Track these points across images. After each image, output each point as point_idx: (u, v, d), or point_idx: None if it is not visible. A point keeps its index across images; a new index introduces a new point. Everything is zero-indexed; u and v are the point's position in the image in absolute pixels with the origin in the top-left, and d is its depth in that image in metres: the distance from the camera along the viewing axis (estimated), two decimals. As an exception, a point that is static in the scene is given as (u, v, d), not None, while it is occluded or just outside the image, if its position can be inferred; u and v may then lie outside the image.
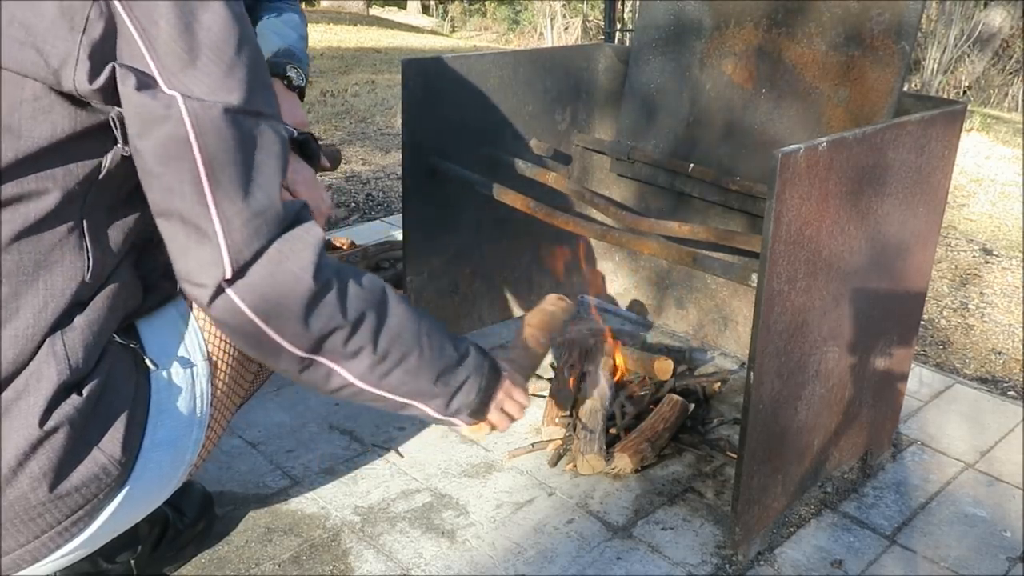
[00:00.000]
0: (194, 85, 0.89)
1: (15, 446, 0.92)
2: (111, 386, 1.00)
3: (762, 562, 1.46)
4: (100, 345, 1.00)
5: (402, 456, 1.71)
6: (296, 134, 1.52)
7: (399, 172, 3.70)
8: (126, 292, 1.05)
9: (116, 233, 1.02)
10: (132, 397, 1.03)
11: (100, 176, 0.96)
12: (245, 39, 0.93)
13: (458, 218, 1.98)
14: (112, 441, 1.00)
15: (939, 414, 1.94)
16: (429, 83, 1.82)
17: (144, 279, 1.09)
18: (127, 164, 0.94)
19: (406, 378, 1.07)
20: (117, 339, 1.04)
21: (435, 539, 1.48)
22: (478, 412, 1.19)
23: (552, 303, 1.46)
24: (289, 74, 1.73)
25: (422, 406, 1.12)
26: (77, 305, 0.98)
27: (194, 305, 1.14)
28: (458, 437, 1.78)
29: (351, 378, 1.03)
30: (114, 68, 0.87)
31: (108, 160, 0.95)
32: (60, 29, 0.86)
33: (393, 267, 2.38)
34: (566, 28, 10.87)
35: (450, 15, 14.04)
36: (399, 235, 2.59)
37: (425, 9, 14.75)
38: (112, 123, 0.91)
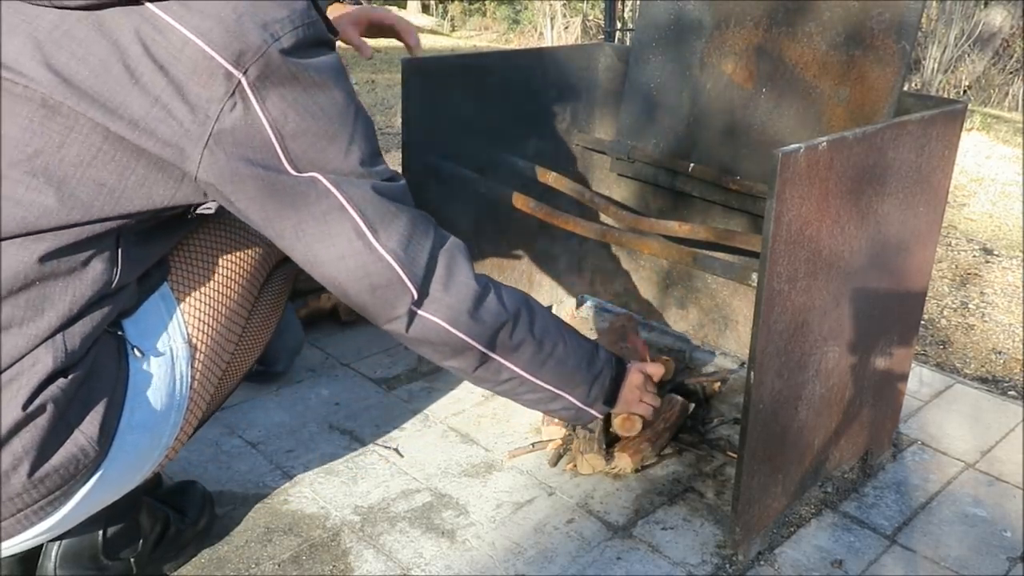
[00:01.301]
0: (326, 163, 1.01)
1: (4, 424, 0.94)
2: (95, 370, 1.03)
3: (762, 562, 1.46)
4: (96, 336, 1.02)
5: (402, 456, 1.71)
6: None
7: (399, 171, 3.70)
8: (129, 291, 1.07)
9: (148, 249, 1.07)
10: (113, 381, 1.05)
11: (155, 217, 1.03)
12: (359, 114, 1.06)
13: (458, 218, 1.97)
14: (91, 423, 1.02)
15: (939, 414, 1.94)
16: (429, 83, 1.82)
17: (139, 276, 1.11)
18: (184, 211, 1.05)
19: (558, 367, 1.27)
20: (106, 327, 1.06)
21: (435, 539, 1.48)
22: (611, 401, 1.39)
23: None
24: None
25: (569, 396, 1.31)
26: (90, 306, 1.00)
27: (174, 287, 1.17)
28: (458, 437, 1.78)
29: (518, 369, 1.23)
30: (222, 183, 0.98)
31: (169, 212, 1.03)
32: (199, 117, 0.93)
33: None
34: (566, 28, 10.86)
35: (450, 14, 14.04)
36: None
37: (425, 8, 14.74)
38: (203, 204, 1.03)
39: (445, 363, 1.20)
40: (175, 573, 1.38)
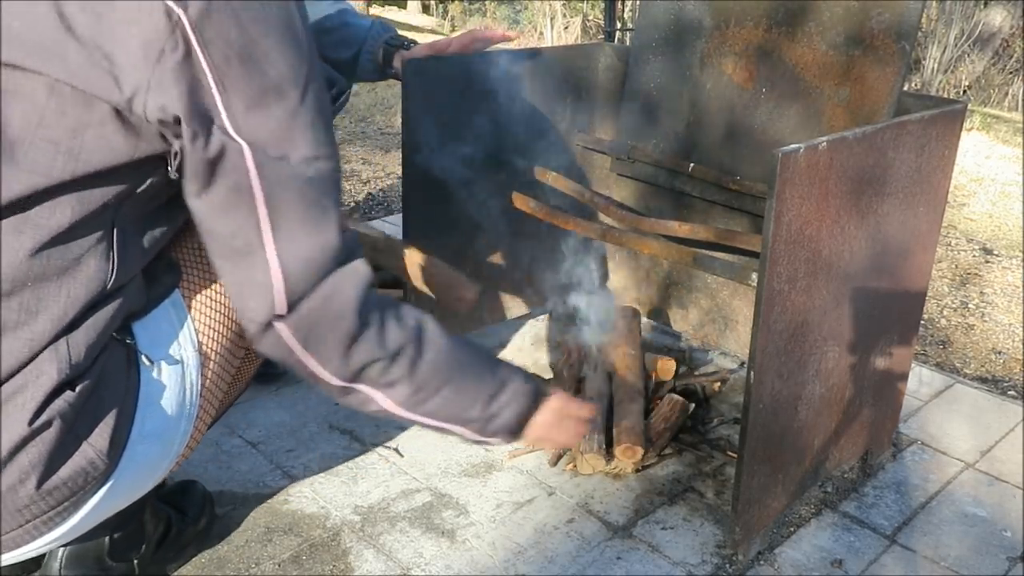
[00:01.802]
0: (260, 130, 0.91)
1: (8, 439, 0.93)
2: (103, 381, 1.01)
3: (762, 562, 1.46)
4: (101, 344, 1.00)
5: (402, 456, 1.71)
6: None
7: (399, 172, 3.70)
8: (134, 294, 1.05)
9: (144, 243, 1.04)
10: (123, 392, 1.04)
11: (137, 191, 0.98)
12: (312, 77, 0.94)
13: (458, 218, 1.98)
14: (101, 436, 1.00)
15: (939, 414, 1.94)
16: (429, 82, 1.82)
17: (147, 275, 1.09)
18: (166, 181, 0.97)
19: (443, 404, 1.11)
20: (113, 335, 1.04)
21: (435, 539, 1.48)
22: (516, 434, 1.21)
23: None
24: (402, 42, 1.87)
25: (459, 429, 1.16)
26: (90, 309, 0.98)
27: (186, 295, 1.15)
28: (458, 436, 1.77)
29: (388, 405, 1.08)
30: (178, 117, 0.88)
31: (150, 180, 0.97)
32: (137, 58, 0.86)
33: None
34: (566, 28, 10.85)
35: (450, 14, 14.03)
36: (399, 235, 2.59)
37: (425, 8, 14.74)
38: (170, 154, 0.93)
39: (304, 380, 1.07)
40: (176, 573, 1.38)
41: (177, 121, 0.89)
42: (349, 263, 0.99)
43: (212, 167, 0.91)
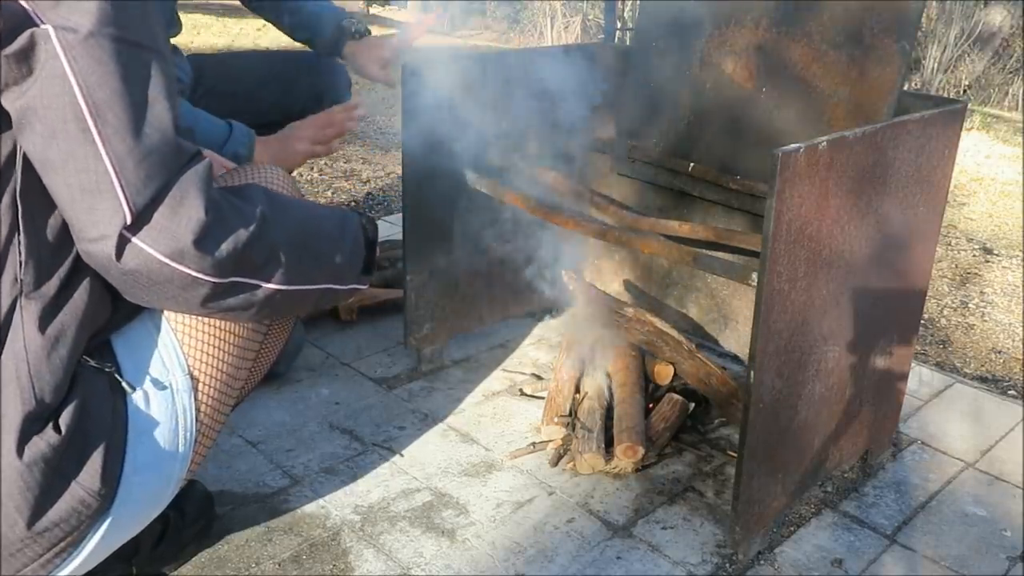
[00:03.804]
0: (68, 14, 0.84)
1: None
2: (86, 415, 0.96)
3: (762, 561, 1.46)
4: (69, 368, 0.95)
5: (402, 455, 1.70)
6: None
7: (399, 171, 3.70)
8: (92, 307, 0.98)
9: (56, 225, 0.95)
10: (110, 425, 0.99)
11: (18, 160, 0.90)
12: None
13: (458, 217, 1.97)
14: (90, 474, 0.96)
15: (939, 413, 1.94)
16: (429, 82, 1.82)
17: (112, 290, 1.01)
18: None
19: (315, 264, 1.09)
20: (91, 363, 0.99)
21: (435, 538, 1.48)
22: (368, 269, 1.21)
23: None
24: (358, 28, 2.02)
25: (334, 285, 1.15)
26: (34, 314, 0.91)
27: (170, 317, 1.09)
28: (458, 436, 1.78)
29: (270, 286, 1.03)
30: None
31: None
32: None
33: (393, 266, 2.38)
34: (566, 27, 10.85)
35: (450, 14, 14.02)
36: (399, 234, 2.59)
37: (426, 8, 14.74)
38: None
39: (167, 304, 0.99)
40: (175, 573, 1.38)
41: None
42: (192, 165, 0.93)
43: (22, 58, 0.84)
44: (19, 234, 0.91)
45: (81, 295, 0.97)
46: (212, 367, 1.13)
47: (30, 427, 0.91)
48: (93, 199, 0.87)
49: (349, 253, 1.15)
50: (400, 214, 2.38)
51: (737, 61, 1.85)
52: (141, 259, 0.90)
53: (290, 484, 1.60)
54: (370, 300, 2.19)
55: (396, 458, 1.70)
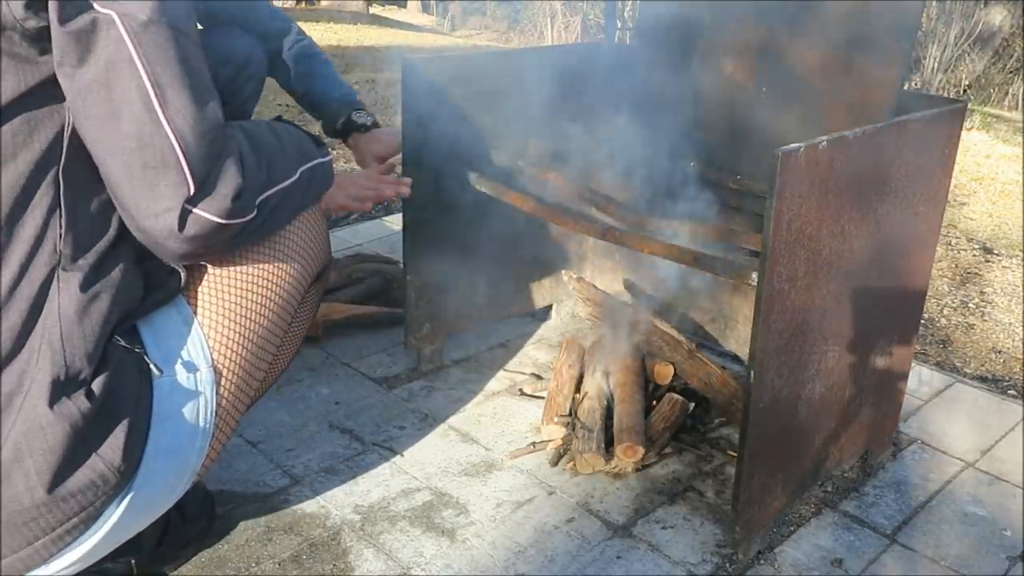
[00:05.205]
0: (127, 3, 0.89)
1: (13, 443, 0.91)
2: (114, 390, 0.98)
3: (762, 561, 1.46)
4: (100, 340, 0.98)
5: (402, 455, 1.71)
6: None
7: (399, 171, 3.69)
8: (126, 287, 1.02)
9: (97, 204, 0.99)
10: (135, 403, 1.01)
11: (66, 137, 0.95)
12: None
13: (458, 217, 1.97)
14: (112, 448, 0.98)
15: (939, 413, 1.94)
16: (429, 82, 1.82)
17: (147, 276, 1.06)
18: None
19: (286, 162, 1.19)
20: (121, 342, 1.02)
21: (435, 538, 1.48)
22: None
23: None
24: (363, 121, 2.03)
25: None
26: (72, 285, 0.95)
27: (199, 311, 1.12)
28: (459, 436, 1.78)
29: (273, 191, 1.12)
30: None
31: (69, 120, 0.94)
32: None
33: (362, 281, 2.33)
34: (566, 27, 10.85)
35: (450, 14, 14.03)
36: (374, 247, 2.58)
37: (425, 8, 14.73)
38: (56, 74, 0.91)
39: (212, 255, 1.09)
40: (176, 572, 1.38)
41: (44, 7, 0.87)
42: (234, 128, 1.04)
43: (86, 43, 0.89)
44: (60, 208, 0.95)
45: (116, 274, 1.01)
46: (235, 363, 1.15)
47: (60, 389, 0.93)
48: (156, 175, 0.93)
49: (289, 139, 1.23)
50: (400, 213, 2.38)
51: (737, 61, 1.85)
52: (199, 225, 0.97)
53: (290, 484, 1.60)
54: (337, 316, 2.16)
55: (396, 458, 1.70)
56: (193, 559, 1.40)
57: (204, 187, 0.96)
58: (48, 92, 0.93)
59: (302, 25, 2.20)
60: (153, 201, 0.94)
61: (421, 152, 1.85)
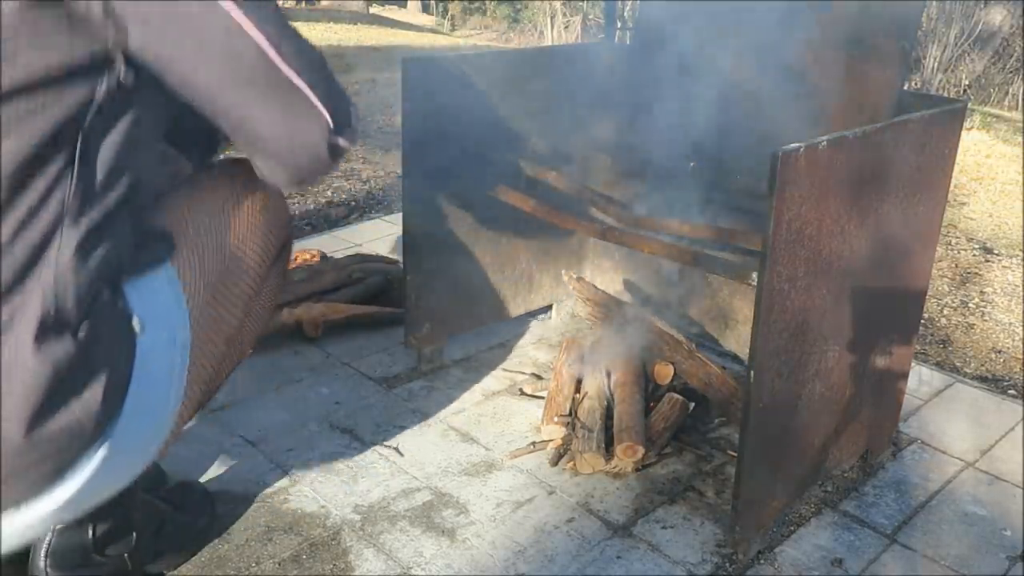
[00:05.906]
0: None
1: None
2: (98, 340, 0.98)
3: (762, 561, 1.46)
4: (90, 291, 0.98)
5: (402, 455, 1.71)
6: None
7: (399, 171, 3.70)
8: (122, 244, 1.03)
9: (110, 163, 1.01)
10: (117, 357, 1.02)
11: (93, 105, 0.96)
12: None
13: (458, 217, 1.98)
14: (93, 396, 0.98)
15: (939, 413, 1.94)
16: (429, 82, 1.82)
17: (141, 236, 1.07)
18: (121, 96, 0.97)
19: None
20: (109, 297, 1.02)
21: (435, 538, 1.48)
22: None
23: None
24: None
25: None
26: (73, 238, 0.96)
27: (183, 274, 1.13)
28: (458, 436, 1.78)
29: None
30: None
31: (102, 92, 0.96)
32: None
33: (362, 281, 2.32)
34: (566, 27, 10.85)
35: (450, 13, 14.02)
36: (374, 247, 2.58)
37: (425, 8, 14.74)
38: (110, 53, 0.94)
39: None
40: (176, 572, 1.38)
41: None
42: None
43: (191, 22, 0.94)
44: (73, 165, 0.97)
45: (115, 232, 1.02)
46: (206, 334, 1.16)
47: (47, 329, 0.93)
48: (296, 120, 1.04)
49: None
50: (400, 213, 2.39)
51: (737, 61, 1.85)
52: (339, 153, 1.08)
53: (290, 484, 1.60)
54: (337, 316, 2.16)
55: (396, 457, 1.70)
56: (193, 559, 1.40)
57: (336, 118, 1.06)
58: (88, 70, 0.94)
59: (302, 25, 2.19)
60: (299, 144, 1.05)
61: (421, 152, 1.85)
